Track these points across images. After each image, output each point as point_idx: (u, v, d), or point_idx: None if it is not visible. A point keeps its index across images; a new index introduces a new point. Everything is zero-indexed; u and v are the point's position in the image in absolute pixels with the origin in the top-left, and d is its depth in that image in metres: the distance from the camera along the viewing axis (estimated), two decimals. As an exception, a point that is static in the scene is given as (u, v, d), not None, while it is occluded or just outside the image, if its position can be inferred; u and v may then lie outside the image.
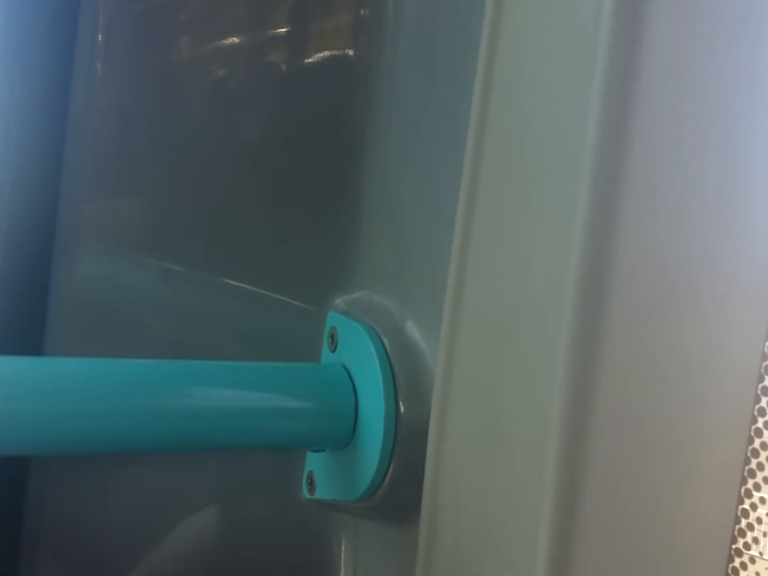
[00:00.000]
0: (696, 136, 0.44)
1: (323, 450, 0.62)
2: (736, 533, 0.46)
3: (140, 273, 0.67)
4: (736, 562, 0.46)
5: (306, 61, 0.68)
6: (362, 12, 0.66)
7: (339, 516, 0.65)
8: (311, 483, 0.64)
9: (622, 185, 0.43)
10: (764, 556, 0.45)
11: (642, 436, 0.44)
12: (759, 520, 0.45)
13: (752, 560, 0.46)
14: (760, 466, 0.46)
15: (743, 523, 0.46)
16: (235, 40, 0.68)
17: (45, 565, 0.66)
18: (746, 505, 0.46)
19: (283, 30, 0.68)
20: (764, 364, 0.46)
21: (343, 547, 0.65)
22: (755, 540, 0.46)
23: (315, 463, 0.64)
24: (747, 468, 0.46)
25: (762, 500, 0.45)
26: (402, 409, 0.56)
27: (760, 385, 0.46)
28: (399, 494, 0.57)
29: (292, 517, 0.67)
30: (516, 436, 0.46)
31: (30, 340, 0.68)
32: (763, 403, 0.46)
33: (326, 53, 0.67)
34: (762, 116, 0.46)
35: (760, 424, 0.46)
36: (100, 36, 0.71)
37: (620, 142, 0.42)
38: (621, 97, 0.42)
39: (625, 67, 0.42)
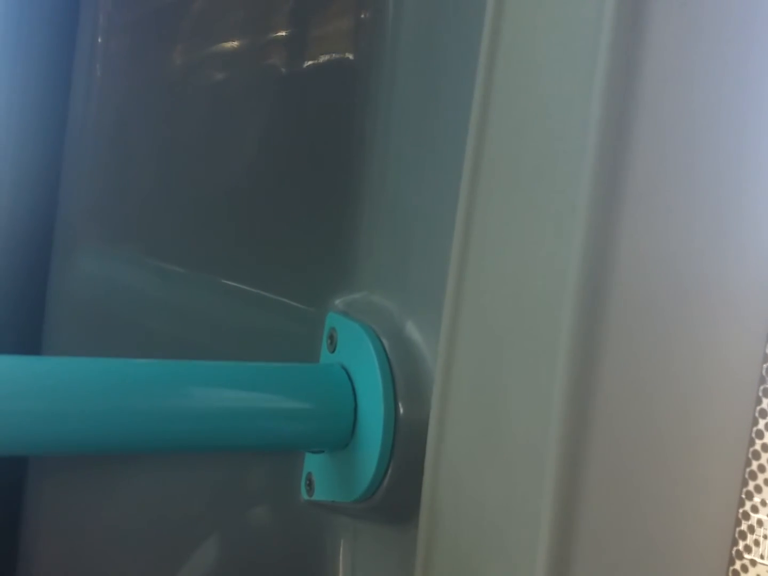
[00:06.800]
0: (698, 139, 0.44)
1: (322, 451, 0.62)
2: (737, 536, 0.46)
3: (139, 273, 0.67)
4: (737, 565, 0.46)
5: (306, 63, 0.68)
6: (362, 14, 0.66)
7: (338, 517, 0.65)
8: (310, 484, 0.64)
9: (622, 188, 0.42)
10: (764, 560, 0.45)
11: (642, 440, 0.44)
12: (760, 522, 0.45)
13: (753, 563, 0.45)
14: (762, 468, 0.46)
15: (744, 525, 0.46)
16: (236, 43, 0.68)
17: (42, 571, 0.66)
18: (747, 508, 0.46)
19: (284, 33, 0.68)
20: (765, 366, 0.46)
21: (341, 548, 0.65)
22: (756, 542, 0.45)
23: (314, 464, 0.64)
24: (748, 470, 0.46)
25: (764, 502, 0.45)
26: (401, 410, 0.56)
27: (762, 387, 0.46)
28: (398, 495, 0.56)
29: (291, 518, 0.67)
30: (515, 438, 0.46)
31: (28, 339, 0.68)
32: (764, 405, 0.46)
33: (327, 56, 0.67)
34: (765, 118, 0.45)
35: (761, 425, 0.46)
36: (99, 38, 0.71)
37: (621, 144, 0.42)
38: (622, 100, 0.42)
39: (627, 69, 0.42)
